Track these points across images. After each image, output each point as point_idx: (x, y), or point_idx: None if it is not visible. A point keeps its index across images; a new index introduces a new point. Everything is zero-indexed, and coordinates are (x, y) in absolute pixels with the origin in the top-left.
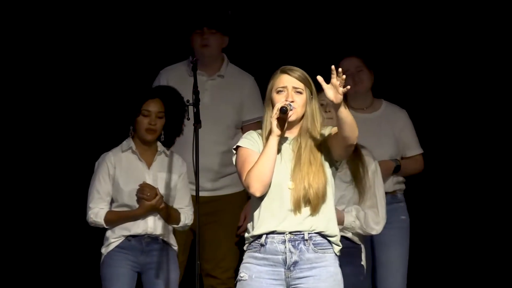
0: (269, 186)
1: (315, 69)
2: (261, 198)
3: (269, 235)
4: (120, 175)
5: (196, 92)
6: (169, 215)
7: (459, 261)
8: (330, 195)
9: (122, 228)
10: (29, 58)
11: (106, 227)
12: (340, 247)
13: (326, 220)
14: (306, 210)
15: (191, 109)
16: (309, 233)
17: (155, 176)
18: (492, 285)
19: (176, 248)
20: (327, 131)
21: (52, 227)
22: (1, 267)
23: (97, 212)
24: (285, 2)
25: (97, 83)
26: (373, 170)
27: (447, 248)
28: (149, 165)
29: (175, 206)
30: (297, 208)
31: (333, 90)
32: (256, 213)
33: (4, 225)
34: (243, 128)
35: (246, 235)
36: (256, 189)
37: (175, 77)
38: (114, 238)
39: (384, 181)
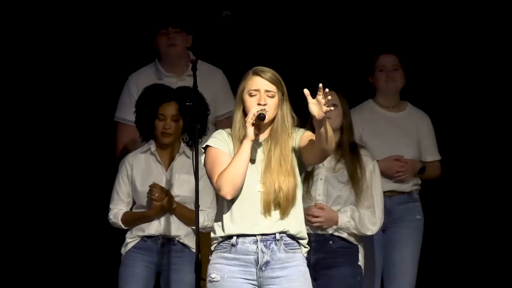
0: (240, 189)
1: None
2: (231, 199)
3: (240, 236)
4: (137, 177)
5: (195, 91)
6: (182, 216)
7: (470, 262)
8: (299, 197)
9: (138, 229)
10: (27, 60)
11: (125, 228)
12: (308, 249)
13: (295, 222)
14: (276, 213)
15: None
16: (280, 234)
17: (172, 177)
18: (504, 286)
19: (193, 249)
20: (298, 134)
21: (76, 227)
22: (21, 267)
23: (115, 213)
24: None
25: (104, 83)
26: (371, 170)
27: (458, 249)
28: (166, 166)
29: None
30: (267, 211)
31: (317, 106)
32: (226, 215)
33: (29, 225)
34: (216, 123)
35: (213, 235)
36: (227, 192)
37: (144, 81)
38: (131, 238)
39: (409, 180)
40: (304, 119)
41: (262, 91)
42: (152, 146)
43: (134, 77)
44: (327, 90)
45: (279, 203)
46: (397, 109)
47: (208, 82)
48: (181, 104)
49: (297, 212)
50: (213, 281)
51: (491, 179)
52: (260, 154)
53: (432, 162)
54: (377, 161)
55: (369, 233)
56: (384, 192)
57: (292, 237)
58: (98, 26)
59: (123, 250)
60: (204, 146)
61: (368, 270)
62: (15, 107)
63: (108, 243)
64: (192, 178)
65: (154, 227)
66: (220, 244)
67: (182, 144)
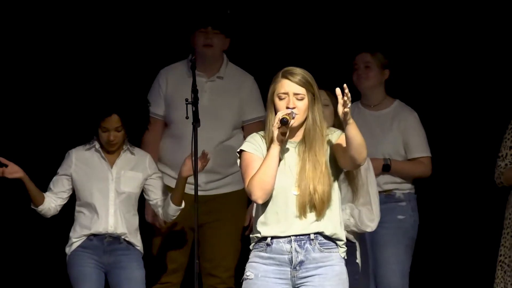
0: (271, 193)
1: (321, 65)
2: (266, 202)
3: (275, 237)
4: (80, 173)
5: (194, 91)
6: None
7: (464, 262)
8: (335, 199)
9: (83, 227)
10: (25, 58)
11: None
12: (345, 249)
13: (331, 224)
14: (311, 215)
15: (189, 107)
16: (315, 234)
17: (118, 174)
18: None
19: (139, 248)
20: (334, 136)
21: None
22: None
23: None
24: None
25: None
26: (365, 167)
27: (453, 249)
28: (112, 163)
29: (152, 199)
30: (302, 213)
31: (341, 106)
32: (261, 217)
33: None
34: (244, 128)
35: (252, 235)
36: (258, 197)
37: (174, 76)
38: (76, 237)
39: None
40: None
41: (290, 94)
42: (97, 143)
43: (165, 71)
44: (346, 90)
45: (314, 206)
46: (379, 107)
47: (236, 87)
48: (122, 115)
49: (334, 213)
50: (247, 278)
51: (485, 178)
52: (294, 156)
53: (417, 159)
54: None
55: (368, 230)
56: None
57: (327, 237)
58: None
59: (68, 250)
60: (238, 150)
61: (364, 270)
62: (13, 107)
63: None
64: (137, 175)
65: (102, 225)
66: (257, 243)
67: (126, 141)
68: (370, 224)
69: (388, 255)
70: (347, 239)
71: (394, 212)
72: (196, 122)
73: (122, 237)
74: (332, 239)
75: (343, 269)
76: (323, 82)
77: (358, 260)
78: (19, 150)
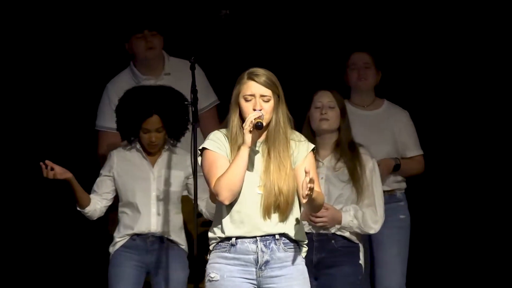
0: (238, 194)
1: (312, 64)
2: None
3: (239, 237)
4: (122, 173)
5: (194, 91)
6: None
7: (460, 260)
8: (296, 200)
9: (127, 227)
10: (21, 60)
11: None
12: (306, 249)
13: (294, 225)
14: (275, 216)
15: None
16: (279, 235)
17: (160, 173)
18: (492, 285)
19: (184, 247)
20: (301, 152)
21: (63, 226)
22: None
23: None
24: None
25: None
26: (370, 168)
27: (448, 247)
28: (153, 163)
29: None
30: (267, 214)
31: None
32: (224, 217)
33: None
34: (200, 116)
35: (212, 235)
36: (225, 198)
37: (122, 87)
38: (119, 237)
39: (383, 179)
40: (299, 119)
41: (257, 96)
42: (138, 144)
43: (112, 84)
44: (307, 178)
45: (279, 206)
46: (372, 107)
47: (184, 78)
48: (162, 115)
49: (296, 214)
50: (213, 280)
51: (479, 177)
52: (258, 156)
53: (412, 158)
54: None
55: (372, 231)
56: None
57: (291, 239)
58: (66, 35)
59: (112, 249)
60: (200, 148)
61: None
62: (9, 108)
63: (94, 242)
64: (178, 173)
65: (144, 225)
66: (219, 243)
67: (167, 140)
68: (374, 226)
69: (392, 255)
70: (349, 240)
71: (395, 212)
72: (195, 122)
73: (165, 236)
74: (294, 240)
75: (305, 268)
76: (313, 82)
77: (362, 261)
78: (61, 153)
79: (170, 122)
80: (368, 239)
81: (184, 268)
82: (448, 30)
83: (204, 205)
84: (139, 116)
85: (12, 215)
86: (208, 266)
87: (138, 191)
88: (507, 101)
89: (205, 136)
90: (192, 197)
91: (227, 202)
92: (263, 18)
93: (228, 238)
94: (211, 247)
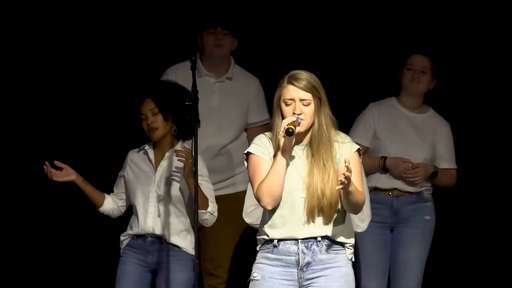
0: (280, 199)
1: (326, 66)
2: None
3: (281, 239)
4: (130, 176)
5: (194, 90)
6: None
7: (477, 263)
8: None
9: (129, 227)
10: (30, 59)
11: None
12: (352, 251)
13: (338, 228)
14: (319, 219)
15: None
16: (322, 237)
17: (162, 175)
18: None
19: (185, 249)
20: (345, 152)
21: (77, 226)
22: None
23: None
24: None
25: (104, 83)
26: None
27: (466, 250)
28: (156, 165)
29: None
30: (310, 217)
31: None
32: (267, 220)
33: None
34: (248, 130)
35: (258, 236)
36: (266, 203)
37: (182, 76)
38: (124, 237)
39: (419, 184)
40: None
41: (297, 100)
42: (147, 145)
43: (172, 70)
44: (344, 167)
45: (322, 210)
46: (418, 110)
47: (244, 88)
48: (156, 98)
49: (341, 216)
50: (254, 280)
51: (504, 185)
52: (302, 159)
53: (446, 170)
54: (386, 158)
55: (359, 230)
56: (390, 191)
57: (334, 241)
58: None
59: (121, 248)
60: (245, 152)
61: (369, 270)
62: (18, 107)
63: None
64: (181, 176)
65: (141, 226)
66: (264, 244)
67: (179, 142)
68: (361, 224)
69: (412, 255)
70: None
71: (421, 212)
72: (195, 122)
73: (164, 238)
74: (339, 242)
75: (350, 271)
76: (329, 83)
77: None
78: (82, 153)
79: (165, 105)
80: (389, 239)
81: (185, 270)
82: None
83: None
84: (134, 103)
85: (27, 215)
86: (253, 265)
87: (139, 192)
88: None
89: None
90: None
91: (269, 207)
92: (271, 19)
93: (271, 240)
94: (258, 248)
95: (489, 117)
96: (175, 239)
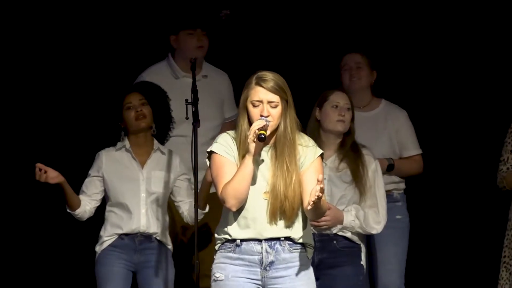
0: (245, 201)
1: (314, 65)
2: None
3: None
4: (111, 174)
5: (194, 91)
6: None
7: (459, 261)
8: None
9: (115, 226)
10: (21, 59)
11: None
12: (312, 250)
13: (300, 230)
14: (281, 221)
15: (189, 108)
16: (285, 238)
17: (149, 174)
18: (489, 285)
19: (170, 247)
20: (308, 157)
21: (49, 225)
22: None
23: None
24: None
25: (89, 82)
26: (373, 169)
27: (447, 247)
28: (143, 164)
29: (177, 200)
30: (272, 219)
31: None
32: (230, 221)
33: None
34: (222, 125)
35: (218, 236)
36: (232, 205)
37: (159, 78)
38: (107, 236)
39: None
40: (305, 120)
41: (265, 102)
42: (127, 143)
43: (149, 74)
44: (317, 187)
45: (284, 212)
46: (368, 107)
47: (217, 84)
48: (144, 92)
49: (301, 219)
50: (217, 280)
51: (476, 177)
52: (267, 161)
53: (410, 158)
54: None
55: (374, 232)
56: None
57: (296, 242)
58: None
59: (98, 248)
60: (208, 151)
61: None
62: (12, 107)
63: (78, 242)
64: (167, 175)
65: (134, 224)
66: (225, 244)
67: (155, 141)
68: (376, 226)
69: (388, 255)
70: (351, 240)
71: (391, 212)
72: (196, 122)
73: (154, 236)
74: (300, 242)
75: (310, 269)
76: (309, 84)
77: (363, 262)
78: (50, 153)
79: (153, 100)
80: (366, 239)
81: (171, 267)
82: (444, 28)
83: (186, 209)
84: (119, 93)
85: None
86: (213, 266)
87: (127, 191)
88: (505, 101)
89: None
90: (178, 199)
91: (234, 209)
92: (257, 19)
93: (233, 240)
94: (216, 247)
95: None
96: (163, 237)
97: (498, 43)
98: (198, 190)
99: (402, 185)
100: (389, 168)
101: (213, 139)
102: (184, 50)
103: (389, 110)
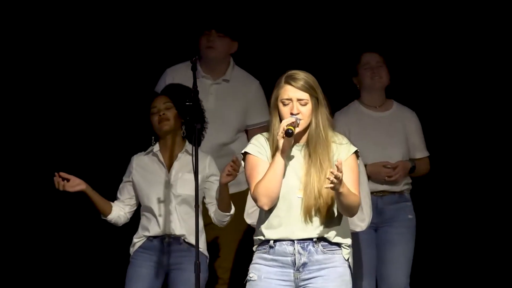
0: (277, 199)
1: (324, 65)
2: None
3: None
4: (140, 179)
5: (195, 91)
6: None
7: (463, 260)
8: None
9: (144, 229)
10: (31, 60)
11: None
12: (349, 251)
13: (335, 228)
14: (316, 219)
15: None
16: (318, 238)
17: (175, 177)
18: (495, 285)
19: (202, 249)
20: (342, 153)
21: (84, 228)
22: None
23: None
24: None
25: (106, 84)
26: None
27: (452, 247)
28: (169, 166)
29: (207, 202)
30: (307, 217)
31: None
32: (264, 221)
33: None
34: (248, 131)
35: (254, 237)
36: (263, 204)
37: (180, 78)
38: (137, 238)
39: (401, 181)
40: None
41: (294, 100)
42: (156, 147)
43: (172, 71)
44: (333, 170)
45: (319, 210)
46: (383, 108)
47: (241, 90)
48: (171, 97)
49: (337, 217)
50: (251, 280)
51: (482, 176)
52: (300, 160)
53: (421, 159)
54: (366, 165)
55: (358, 229)
56: (375, 192)
57: (330, 241)
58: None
59: (131, 250)
60: (243, 152)
61: (357, 271)
62: (20, 109)
63: (118, 244)
64: (193, 177)
65: (160, 227)
66: (260, 245)
67: (187, 143)
68: (361, 224)
69: (398, 254)
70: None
71: (404, 212)
72: (196, 122)
73: (182, 238)
74: (335, 242)
75: (346, 271)
76: (327, 83)
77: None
78: (83, 161)
79: (180, 104)
80: (374, 239)
81: (203, 270)
82: (450, 29)
83: (213, 210)
84: (146, 98)
85: (30, 222)
86: (250, 266)
87: (154, 195)
88: (509, 101)
89: None
90: (207, 200)
91: (266, 208)
92: (268, 20)
93: (267, 240)
94: (254, 248)
95: (461, 108)
96: (192, 240)
97: (505, 47)
98: (215, 194)
99: (410, 186)
100: (411, 170)
101: (224, 143)
102: (200, 50)
103: (401, 112)
